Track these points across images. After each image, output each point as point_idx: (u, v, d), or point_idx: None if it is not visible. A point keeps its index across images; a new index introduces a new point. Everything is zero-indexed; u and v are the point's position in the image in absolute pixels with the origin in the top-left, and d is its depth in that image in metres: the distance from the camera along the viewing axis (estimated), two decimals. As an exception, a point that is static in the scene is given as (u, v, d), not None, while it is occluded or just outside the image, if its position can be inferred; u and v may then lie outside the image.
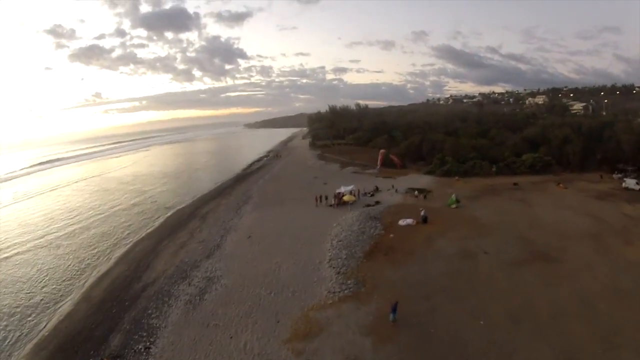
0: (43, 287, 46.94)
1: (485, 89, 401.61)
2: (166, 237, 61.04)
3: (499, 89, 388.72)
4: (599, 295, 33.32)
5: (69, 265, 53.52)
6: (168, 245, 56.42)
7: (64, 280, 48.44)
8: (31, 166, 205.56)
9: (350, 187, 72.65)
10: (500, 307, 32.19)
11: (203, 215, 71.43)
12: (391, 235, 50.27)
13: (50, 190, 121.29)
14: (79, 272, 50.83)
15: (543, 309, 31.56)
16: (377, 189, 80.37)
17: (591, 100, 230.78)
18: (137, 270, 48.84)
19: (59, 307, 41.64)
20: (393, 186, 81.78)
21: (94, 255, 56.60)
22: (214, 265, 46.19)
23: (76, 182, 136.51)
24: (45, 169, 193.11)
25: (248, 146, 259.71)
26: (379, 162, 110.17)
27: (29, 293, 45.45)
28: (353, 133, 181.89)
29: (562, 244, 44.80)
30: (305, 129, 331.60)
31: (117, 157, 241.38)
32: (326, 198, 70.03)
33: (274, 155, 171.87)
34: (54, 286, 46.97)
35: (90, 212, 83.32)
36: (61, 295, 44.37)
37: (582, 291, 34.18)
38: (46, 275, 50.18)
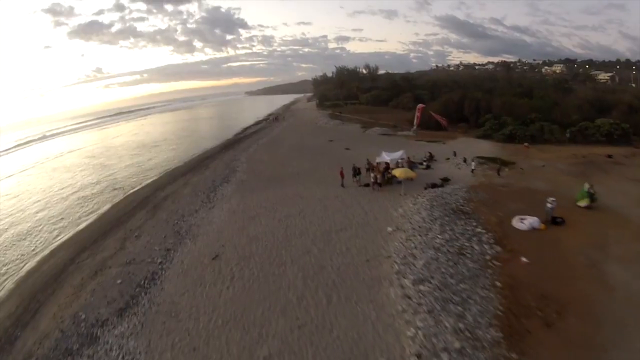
0: None
1: (490, 60, 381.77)
2: (90, 244, 35.58)
3: (503, 59, 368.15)
4: None
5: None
6: (82, 266, 31.00)
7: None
8: (15, 146, 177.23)
9: (398, 154, 45.03)
10: None
11: (157, 203, 44.67)
12: (524, 260, 23.54)
13: (20, 172, 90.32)
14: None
15: None
16: (431, 157, 53.03)
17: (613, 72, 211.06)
18: (21, 319, 25.25)
19: None
20: (455, 154, 55.48)
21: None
22: (122, 343, 19.91)
23: (46, 160, 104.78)
24: (28, 147, 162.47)
25: (246, 111, 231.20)
26: (416, 121, 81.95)
27: None
28: (367, 92, 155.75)
29: None
30: (309, 94, 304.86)
31: (105, 128, 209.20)
32: (358, 172, 42.21)
33: (274, 118, 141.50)
34: None
35: (32, 201, 57.39)
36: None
37: None
38: None
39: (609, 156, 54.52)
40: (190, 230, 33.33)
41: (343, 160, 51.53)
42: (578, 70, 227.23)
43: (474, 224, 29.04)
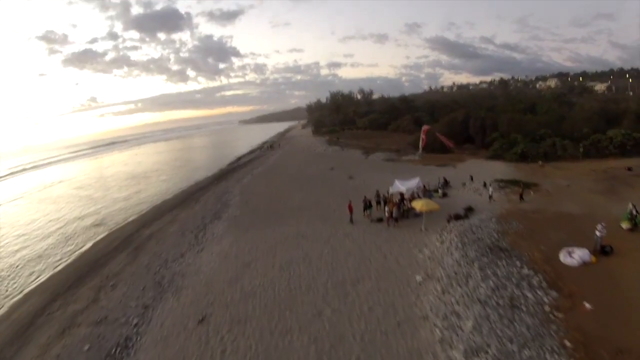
0: None
1: (482, 79, 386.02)
2: (64, 291, 30.60)
3: (495, 78, 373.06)
4: None
5: None
6: (51, 319, 26.18)
7: None
8: (7, 175, 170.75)
9: (414, 182, 39.62)
10: None
11: (140, 244, 39.30)
12: (587, 306, 19.34)
13: (7, 202, 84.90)
14: None
15: None
16: (446, 183, 48.37)
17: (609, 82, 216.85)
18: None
19: None
20: (472, 178, 50.69)
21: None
22: None
23: (35, 191, 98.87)
24: (21, 175, 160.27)
25: (241, 139, 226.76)
26: (421, 144, 77.19)
27: None
28: (364, 117, 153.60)
29: None
30: (303, 121, 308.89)
31: (98, 158, 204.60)
32: (369, 205, 37.01)
33: (268, 147, 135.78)
34: None
35: (14, 235, 52.53)
36: None
37: None
38: None
39: (629, 169, 51.94)
40: (174, 281, 27.84)
41: (348, 190, 47.10)
42: (573, 83, 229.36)
43: (518, 263, 24.30)
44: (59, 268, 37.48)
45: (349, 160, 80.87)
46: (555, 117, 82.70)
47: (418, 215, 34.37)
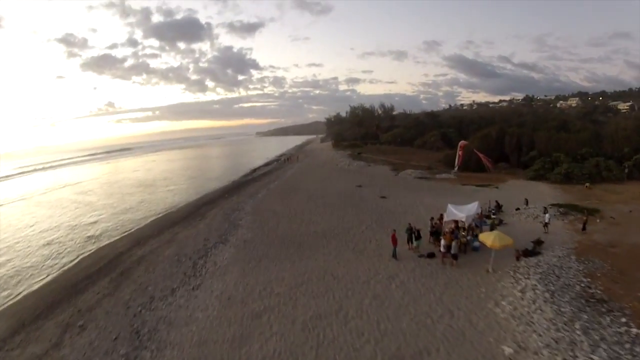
0: None
1: (501, 98, 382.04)
2: (31, 321, 25.10)
3: (514, 97, 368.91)
4: None
5: None
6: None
7: None
8: (17, 174, 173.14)
9: (472, 207, 31.31)
10: None
11: (127, 269, 32.43)
12: None
13: (8, 203, 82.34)
14: None
15: None
16: (499, 207, 41.41)
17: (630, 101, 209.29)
18: None
19: None
20: (527, 202, 43.39)
21: None
22: None
23: (37, 194, 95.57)
24: (30, 175, 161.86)
25: (257, 150, 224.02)
26: (457, 161, 70.71)
27: None
28: (387, 132, 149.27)
29: None
30: (321, 135, 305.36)
31: (110, 163, 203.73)
32: (417, 235, 29.03)
33: (286, 159, 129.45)
34: None
35: (6, 244, 47.38)
36: None
37: None
38: None
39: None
40: (156, 331, 20.32)
41: (382, 213, 40.12)
42: (594, 103, 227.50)
43: (623, 319, 17.44)
44: (34, 288, 32.33)
45: (377, 177, 73.41)
46: (592, 135, 77.96)
47: (476, 248, 27.08)
